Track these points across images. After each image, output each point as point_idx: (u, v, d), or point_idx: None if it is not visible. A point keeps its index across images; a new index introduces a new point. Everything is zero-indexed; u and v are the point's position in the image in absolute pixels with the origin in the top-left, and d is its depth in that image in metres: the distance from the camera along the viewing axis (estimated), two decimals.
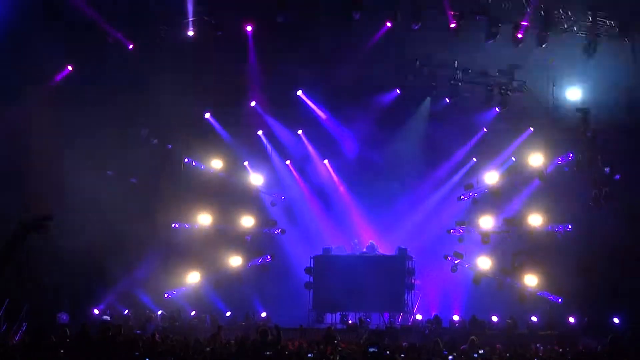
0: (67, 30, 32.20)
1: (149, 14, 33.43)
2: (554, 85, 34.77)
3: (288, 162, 40.56)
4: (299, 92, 38.49)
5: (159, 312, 36.72)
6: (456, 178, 39.48)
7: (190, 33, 33.73)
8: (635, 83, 32.03)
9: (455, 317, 34.64)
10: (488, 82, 36.19)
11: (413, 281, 37.14)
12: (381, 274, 36.91)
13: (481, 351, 23.70)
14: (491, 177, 38.02)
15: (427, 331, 33.05)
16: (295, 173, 40.62)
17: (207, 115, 39.10)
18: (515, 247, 37.23)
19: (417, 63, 35.54)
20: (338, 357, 21.21)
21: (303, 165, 40.77)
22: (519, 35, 32.40)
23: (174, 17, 33.54)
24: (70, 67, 34.82)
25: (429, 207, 39.68)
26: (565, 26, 31.78)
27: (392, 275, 36.95)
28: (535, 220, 36.87)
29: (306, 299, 37.78)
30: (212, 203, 39.34)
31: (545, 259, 36.04)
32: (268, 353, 19.31)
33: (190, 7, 32.86)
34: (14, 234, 10.94)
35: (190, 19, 33.32)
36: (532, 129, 37.60)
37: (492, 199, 38.34)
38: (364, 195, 40.14)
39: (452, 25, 33.04)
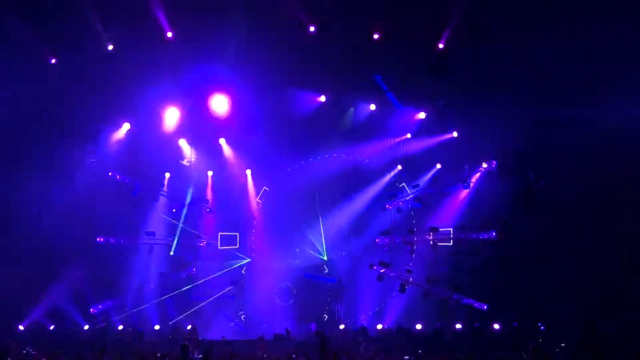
0: None
1: (69, 28, 33.30)
2: None
3: (210, 173, 40.06)
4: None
5: (85, 327, 36.38)
6: (380, 187, 39.37)
7: (110, 47, 33.67)
8: None
9: (379, 327, 34.73)
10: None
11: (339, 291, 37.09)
12: (307, 285, 36.82)
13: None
14: (416, 185, 37.99)
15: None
16: (215, 185, 40.19)
17: (127, 125, 38.62)
18: (439, 256, 37.37)
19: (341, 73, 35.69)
20: None
21: (227, 177, 40.21)
22: (440, 46, 32.80)
23: (93, 31, 33.44)
24: None
25: (354, 216, 39.54)
26: None
27: (318, 286, 36.82)
28: (460, 227, 37.01)
29: (233, 311, 37.62)
30: (136, 216, 38.95)
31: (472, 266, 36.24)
32: None
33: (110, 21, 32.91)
34: None
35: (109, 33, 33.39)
36: (455, 134, 37.66)
37: (417, 208, 38.37)
38: (289, 206, 40.00)
39: (376, 36, 33.32)
